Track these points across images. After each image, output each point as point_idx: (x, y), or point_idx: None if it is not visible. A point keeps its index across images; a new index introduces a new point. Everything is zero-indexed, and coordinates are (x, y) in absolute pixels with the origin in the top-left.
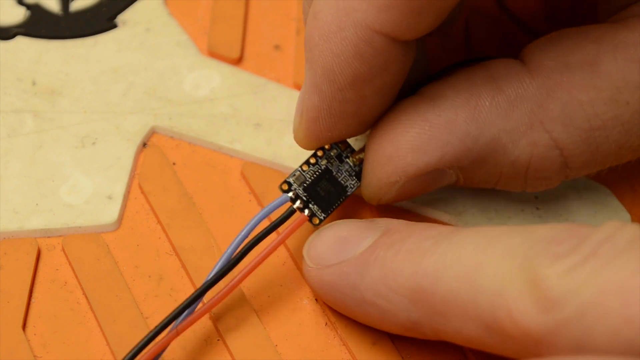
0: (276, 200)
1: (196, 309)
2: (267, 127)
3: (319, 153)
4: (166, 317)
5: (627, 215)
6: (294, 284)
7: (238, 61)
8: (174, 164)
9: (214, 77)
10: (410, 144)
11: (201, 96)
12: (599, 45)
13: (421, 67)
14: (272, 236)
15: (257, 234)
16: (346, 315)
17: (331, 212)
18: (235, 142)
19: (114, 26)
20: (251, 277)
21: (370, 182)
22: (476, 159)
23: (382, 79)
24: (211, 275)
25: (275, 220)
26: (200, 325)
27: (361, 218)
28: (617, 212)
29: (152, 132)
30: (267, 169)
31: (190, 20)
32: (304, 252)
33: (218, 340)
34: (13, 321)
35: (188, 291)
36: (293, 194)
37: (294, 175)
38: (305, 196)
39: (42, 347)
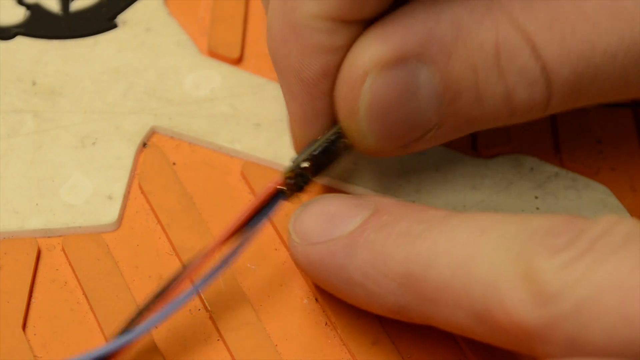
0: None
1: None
2: (267, 127)
3: None
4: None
5: (627, 215)
6: (294, 284)
7: (238, 61)
8: (174, 164)
9: (214, 77)
10: (372, 38)
11: (201, 96)
12: None
13: None
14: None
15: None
16: (332, 294)
17: (301, 156)
18: (235, 142)
19: (114, 26)
20: (251, 276)
21: (341, 86)
22: (443, 45)
23: None
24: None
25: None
26: (200, 325)
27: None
28: (617, 212)
29: (152, 132)
30: (267, 169)
31: (190, 20)
32: (290, 227)
33: (218, 340)
34: (13, 321)
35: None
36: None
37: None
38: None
39: (42, 347)
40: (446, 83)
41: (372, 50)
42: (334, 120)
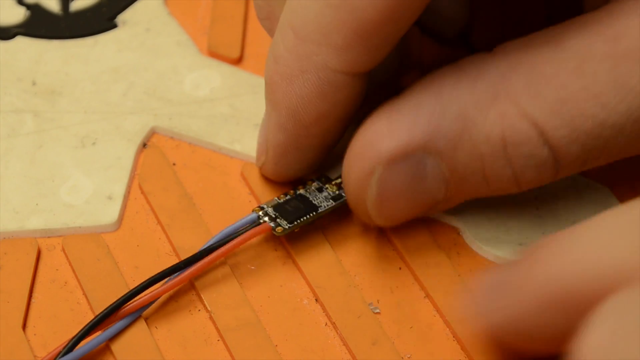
0: (244, 218)
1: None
2: None
3: (299, 188)
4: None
5: None
6: (294, 284)
7: (238, 61)
8: (174, 164)
9: (214, 77)
10: (379, 133)
11: (201, 96)
12: (564, 26)
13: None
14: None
15: (217, 242)
16: None
17: (298, 223)
18: (235, 142)
19: (114, 26)
20: (251, 277)
21: (349, 180)
22: (449, 139)
23: (344, 109)
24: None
25: (240, 230)
26: (200, 325)
27: (354, 218)
28: None
29: (152, 132)
30: None
31: (190, 20)
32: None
33: (218, 340)
34: (13, 321)
35: (188, 292)
36: (262, 212)
37: (269, 202)
38: (273, 214)
39: (42, 347)
40: (452, 170)
41: (378, 146)
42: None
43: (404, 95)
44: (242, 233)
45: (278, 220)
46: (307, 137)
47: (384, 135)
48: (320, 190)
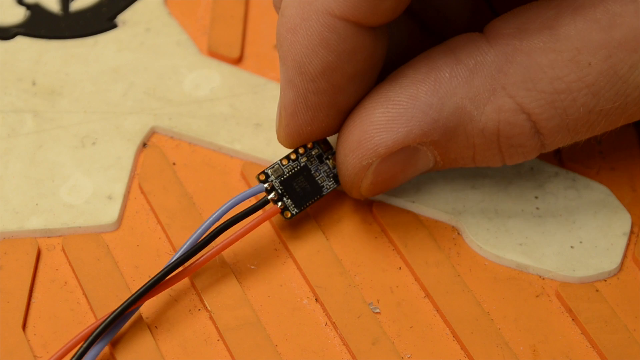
0: (251, 188)
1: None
2: (267, 127)
3: (301, 150)
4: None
5: (627, 215)
6: (294, 284)
7: (238, 61)
8: (174, 164)
9: (214, 77)
10: (376, 125)
11: (201, 96)
12: (558, 10)
13: (400, 54)
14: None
15: (227, 220)
16: None
17: (304, 208)
18: (235, 142)
19: (114, 26)
20: (252, 277)
21: (345, 169)
22: (445, 131)
23: (352, 66)
24: (175, 258)
25: (248, 207)
26: (200, 325)
27: (354, 217)
28: (617, 212)
29: (152, 132)
30: None
31: (190, 20)
32: None
33: (218, 340)
34: (13, 321)
35: (188, 291)
36: (269, 185)
37: (273, 167)
38: (280, 189)
39: (42, 347)
40: (443, 156)
41: (376, 140)
42: (325, 122)
43: (398, 82)
44: (249, 210)
45: (285, 199)
46: (315, 94)
47: (381, 128)
48: (320, 159)
